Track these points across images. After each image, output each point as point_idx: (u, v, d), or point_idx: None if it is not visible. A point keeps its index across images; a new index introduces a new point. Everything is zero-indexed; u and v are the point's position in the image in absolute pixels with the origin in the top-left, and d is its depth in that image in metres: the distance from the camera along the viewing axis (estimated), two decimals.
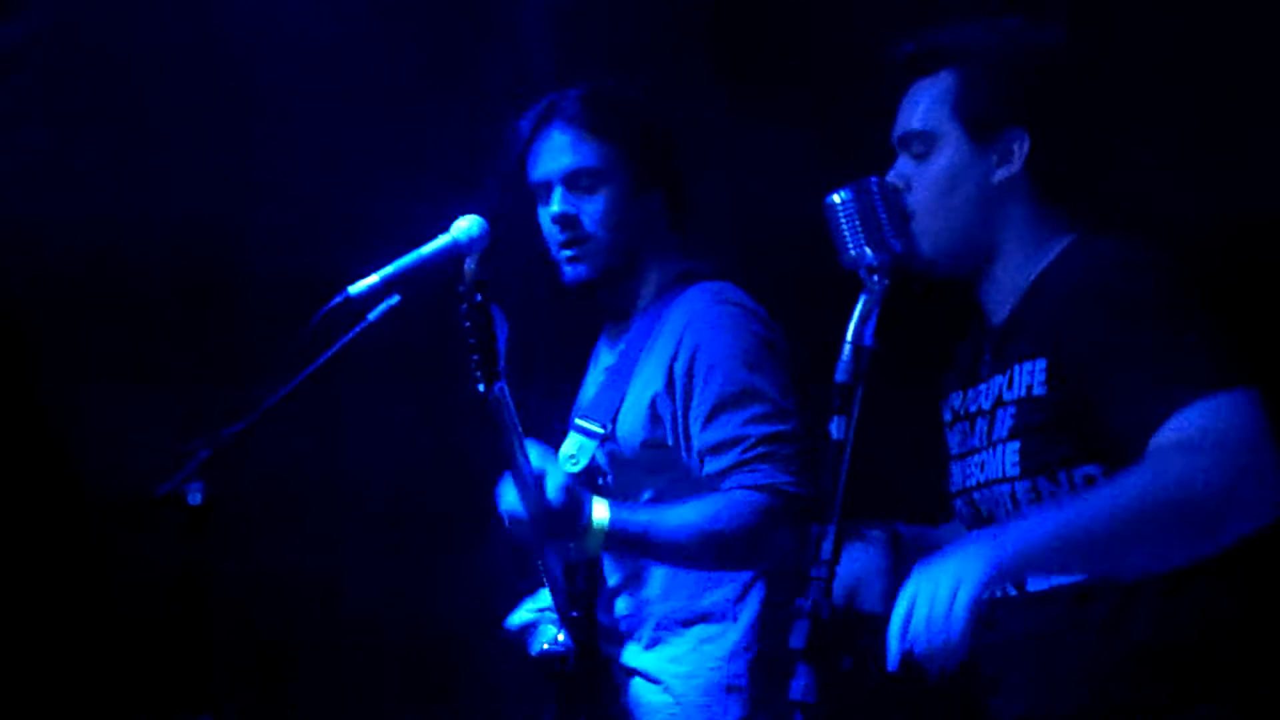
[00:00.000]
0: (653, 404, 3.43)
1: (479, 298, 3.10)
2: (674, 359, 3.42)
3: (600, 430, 3.44)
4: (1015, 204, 2.87)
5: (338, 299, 3.28)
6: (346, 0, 4.82)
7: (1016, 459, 2.75)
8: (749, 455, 3.32)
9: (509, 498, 3.26)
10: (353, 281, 3.31)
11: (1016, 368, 2.78)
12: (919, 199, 2.87)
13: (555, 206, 3.52)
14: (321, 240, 4.63)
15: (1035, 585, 2.77)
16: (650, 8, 4.79)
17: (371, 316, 3.30)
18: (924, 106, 2.90)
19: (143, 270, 4.85)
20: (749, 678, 3.40)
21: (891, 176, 2.90)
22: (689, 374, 3.39)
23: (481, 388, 3.12)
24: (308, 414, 3.46)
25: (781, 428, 3.33)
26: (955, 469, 2.92)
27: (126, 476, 3.74)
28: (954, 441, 2.93)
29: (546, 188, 3.54)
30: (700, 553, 3.31)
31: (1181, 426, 2.56)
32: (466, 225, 3.38)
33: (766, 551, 3.32)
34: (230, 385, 3.76)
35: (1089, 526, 2.54)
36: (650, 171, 3.51)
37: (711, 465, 3.36)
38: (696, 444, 3.38)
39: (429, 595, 4.82)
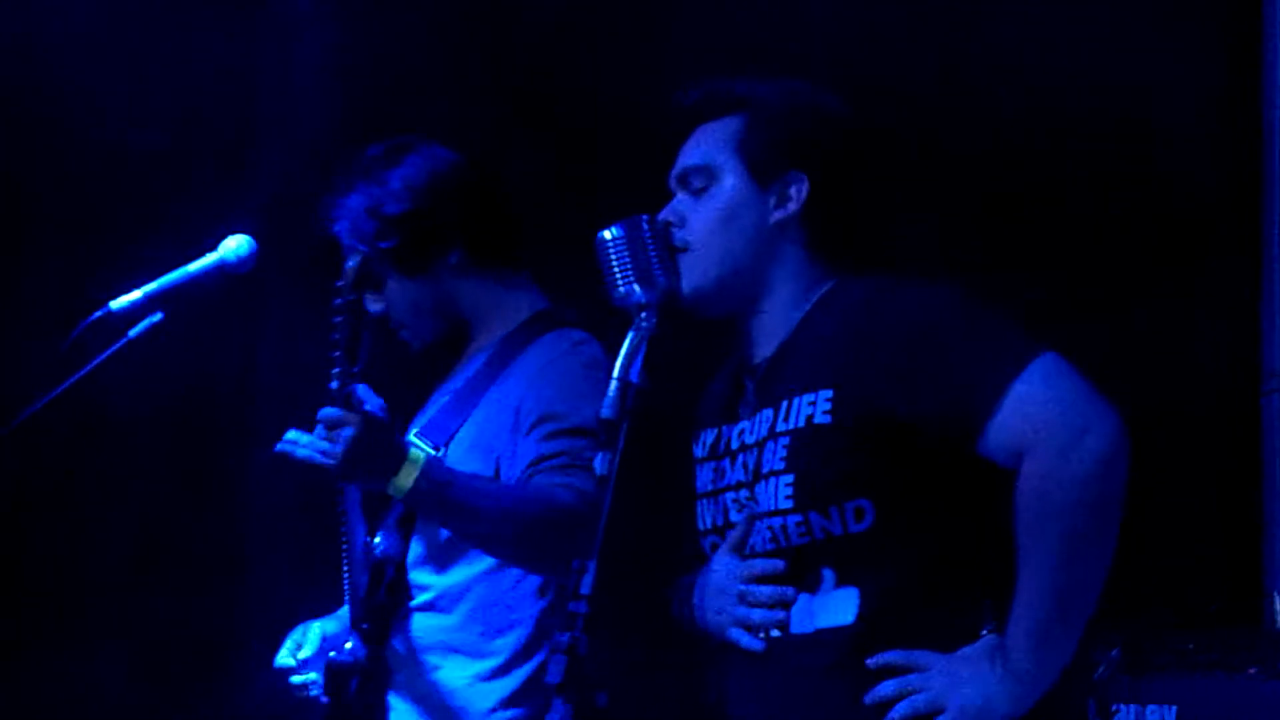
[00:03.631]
0: (490, 438, 3.42)
1: (352, 298, 3.10)
2: (522, 400, 3.41)
3: (431, 451, 3.41)
4: (787, 247, 2.89)
5: (98, 314, 3.24)
6: (129, 25, 4.76)
7: (790, 491, 2.75)
8: (573, 464, 3.31)
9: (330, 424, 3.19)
10: (116, 297, 3.27)
11: (794, 400, 2.78)
12: (694, 233, 2.87)
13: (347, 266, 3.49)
14: (86, 255, 4.57)
15: (800, 628, 2.77)
16: (429, 49, 4.81)
17: (133, 333, 3.26)
18: (707, 145, 2.92)
19: None
20: None
21: (665, 213, 2.90)
22: (534, 413, 3.38)
23: (335, 385, 3.12)
24: (65, 428, 3.41)
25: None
26: (707, 506, 2.92)
27: None
28: (706, 479, 2.93)
29: None
30: (504, 525, 3.28)
31: (1016, 414, 2.64)
32: (235, 245, 3.38)
33: (563, 551, 3.28)
34: None
35: (1071, 588, 2.63)
36: (419, 254, 3.50)
37: (531, 472, 3.34)
38: (523, 462, 3.36)
39: (180, 618, 4.75)
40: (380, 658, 3.42)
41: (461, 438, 3.44)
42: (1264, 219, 4.89)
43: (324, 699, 3.43)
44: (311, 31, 4.94)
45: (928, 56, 4.82)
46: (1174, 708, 4.22)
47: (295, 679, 3.51)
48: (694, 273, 2.87)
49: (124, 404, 4.59)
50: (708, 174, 2.89)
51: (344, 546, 3.44)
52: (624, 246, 2.85)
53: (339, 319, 3.12)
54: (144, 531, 4.85)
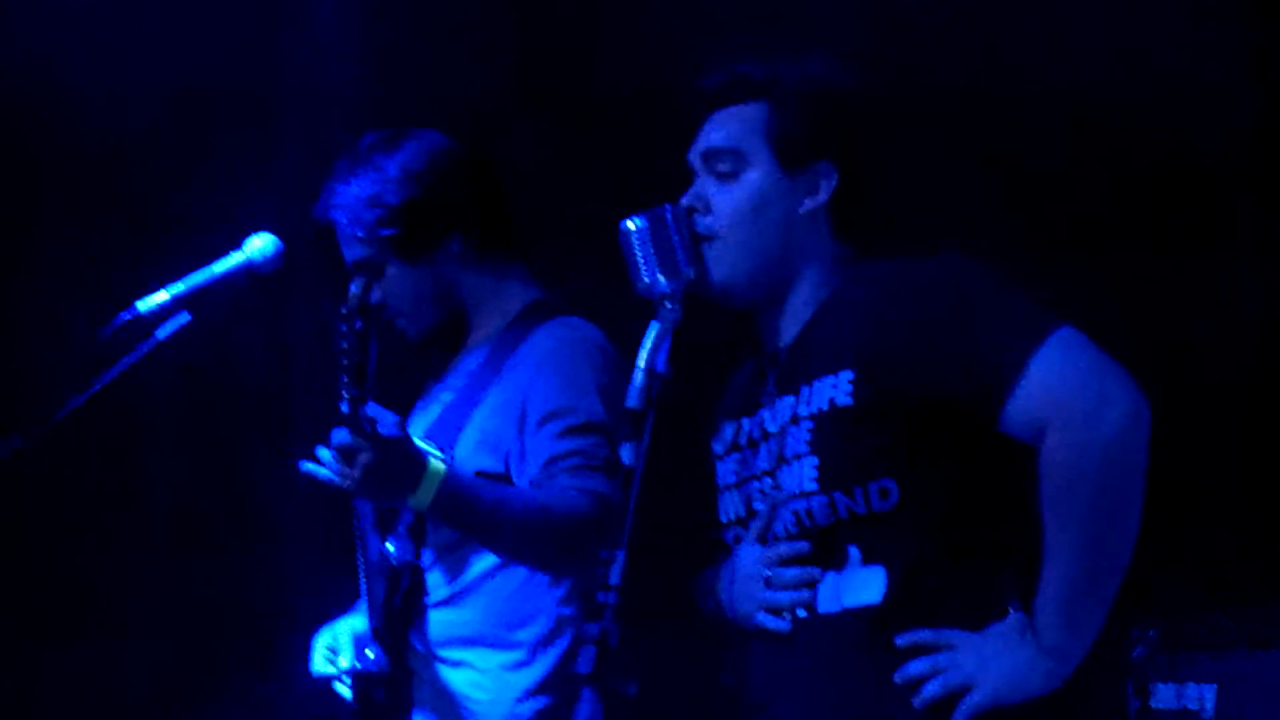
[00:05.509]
0: (497, 435, 3.42)
1: (360, 324, 3.10)
2: (528, 395, 3.41)
3: (439, 455, 3.38)
4: (814, 237, 2.89)
5: (126, 316, 3.25)
6: (146, 8, 4.77)
7: (814, 474, 2.75)
8: (588, 465, 3.33)
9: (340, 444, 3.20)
10: (142, 297, 3.28)
11: (815, 384, 2.78)
12: (721, 222, 2.87)
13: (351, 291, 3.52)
14: (109, 249, 4.58)
15: (827, 608, 2.77)
16: (454, 29, 4.80)
17: (161, 334, 3.27)
18: (733, 128, 2.91)
19: None
20: (547, 714, 3.38)
21: (689, 197, 2.90)
22: (542, 408, 3.38)
23: (345, 407, 3.12)
24: (95, 430, 3.41)
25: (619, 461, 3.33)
26: (731, 498, 2.93)
27: None
28: (729, 471, 2.94)
29: None
30: (524, 536, 3.30)
31: (1034, 391, 2.64)
32: (260, 244, 3.39)
33: (578, 556, 3.31)
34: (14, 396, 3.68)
35: (1099, 560, 2.64)
36: (419, 241, 3.50)
37: (546, 474, 3.35)
38: (536, 461, 3.37)
39: (211, 618, 4.77)
40: (403, 663, 3.42)
41: (468, 435, 3.44)
42: None
43: (357, 667, 3.43)
44: (334, 21, 4.93)
45: (946, 32, 4.80)
46: (1213, 686, 4.21)
47: (341, 689, 3.50)
48: (723, 263, 2.87)
49: (155, 402, 4.60)
50: (735, 158, 2.89)
51: (359, 555, 3.45)
52: (648, 236, 2.85)
53: (345, 342, 3.11)
54: (177, 530, 4.87)
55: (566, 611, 3.42)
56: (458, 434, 3.45)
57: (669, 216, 2.86)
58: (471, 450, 3.42)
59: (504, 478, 3.40)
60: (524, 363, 3.45)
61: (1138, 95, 4.71)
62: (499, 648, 3.41)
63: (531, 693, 3.39)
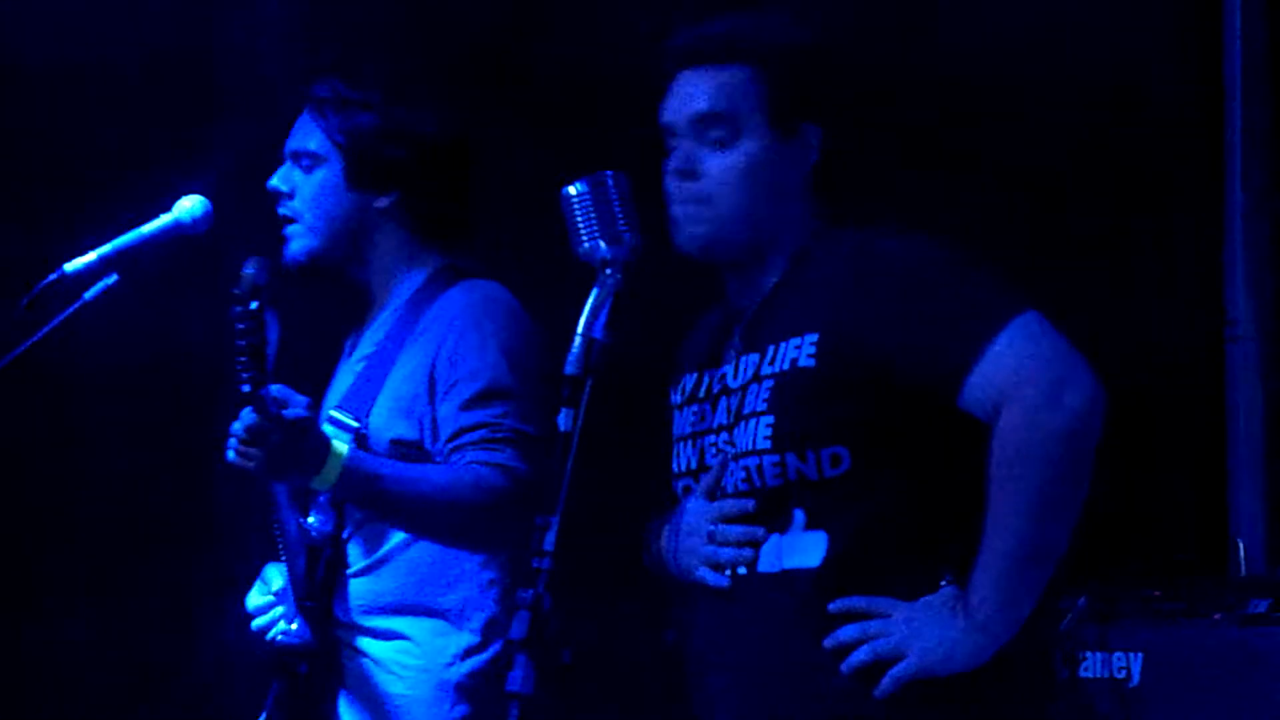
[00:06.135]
0: (410, 401, 3.41)
1: (255, 305, 3.08)
2: (435, 359, 3.41)
3: (354, 424, 3.41)
4: (799, 199, 2.90)
5: (53, 277, 3.23)
6: None
7: (769, 433, 2.77)
8: (493, 438, 3.33)
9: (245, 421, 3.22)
10: (70, 259, 3.25)
11: (781, 345, 2.80)
12: (716, 188, 2.87)
13: (273, 178, 3.52)
14: (39, 218, 4.54)
15: (767, 567, 2.78)
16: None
17: (88, 295, 3.25)
18: (722, 92, 2.89)
19: None
20: (479, 678, 3.38)
21: (678, 160, 2.89)
22: (449, 374, 3.38)
23: (246, 389, 3.12)
24: (28, 392, 3.39)
25: (529, 428, 3.34)
26: (684, 449, 2.93)
27: None
28: (685, 422, 2.95)
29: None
30: (432, 514, 3.31)
31: (996, 368, 2.66)
32: (189, 205, 3.36)
33: (497, 532, 3.33)
34: None
35: (1039, 540, 2.65)
36: (370, 171, 3.49)
37: (452, 447, 3.35)
38: (443, 435, 3.37)
39: (149, 583, 4.74)
40: (328, 635, 3.42)
41: (382, 403, 3.43)
42: (1226, 169, 4.92)
43: (280, 640, 3.41)
44: None
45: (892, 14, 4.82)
46: (1140, 655, 4.25)
47: (260, 619, 3.47)
48: (711, 225, 2.87)
49: (93, 367, 4.57)
50: (729, 125, 2.88)
51: (276, 530, 3.43)
52: (589, 202, 2.83)
53: (241, 325, 3.10)
54: (111, 496, 4.83)
55: (489, 575, 3.42)
56: (372, 401, 3.44)
57: (610, 182, 2.84)
58: (386, 418, 3.41)
59: (419, 444, 3.39)
60: (431, 327, 3.44)
61: (1084, 75, 4.75)
62: (424, 615, 3.41)
63: (461, 657, 3.38)
